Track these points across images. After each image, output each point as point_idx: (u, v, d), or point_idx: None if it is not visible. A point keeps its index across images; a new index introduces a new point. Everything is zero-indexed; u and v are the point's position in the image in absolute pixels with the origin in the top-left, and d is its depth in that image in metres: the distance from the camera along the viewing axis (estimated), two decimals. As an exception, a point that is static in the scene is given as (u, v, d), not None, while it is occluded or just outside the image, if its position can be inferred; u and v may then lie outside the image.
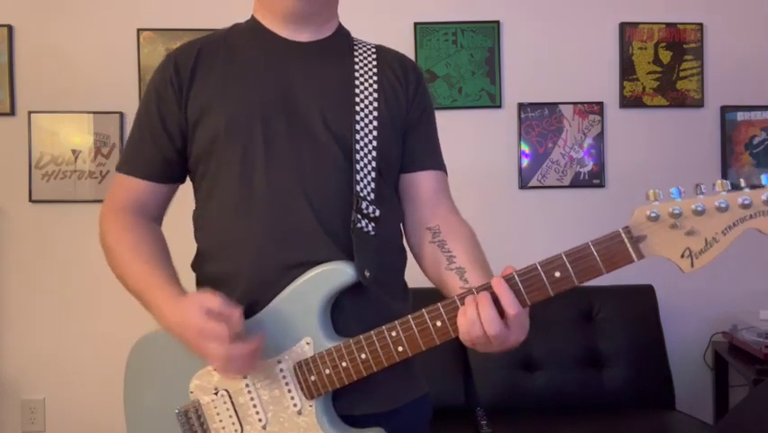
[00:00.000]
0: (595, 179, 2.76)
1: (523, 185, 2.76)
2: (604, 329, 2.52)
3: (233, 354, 1.04)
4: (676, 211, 0.89)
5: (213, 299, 1.05)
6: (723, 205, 0.88)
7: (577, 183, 2.76)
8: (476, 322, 0.96)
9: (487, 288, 0.97)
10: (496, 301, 0.96)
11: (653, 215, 0.90)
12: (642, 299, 2.58)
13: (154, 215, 1.23)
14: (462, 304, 0.98)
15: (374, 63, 1.21)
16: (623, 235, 0.92)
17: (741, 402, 2.17)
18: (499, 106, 2.75)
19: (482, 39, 2.74)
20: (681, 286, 2.69)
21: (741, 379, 2.48)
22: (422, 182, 1.22)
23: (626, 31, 2.76)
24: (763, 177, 0.87)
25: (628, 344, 2.51)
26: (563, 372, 2.46)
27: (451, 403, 2.41)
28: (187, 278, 1.24)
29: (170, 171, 1.21)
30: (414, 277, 1.24)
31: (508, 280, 0.96)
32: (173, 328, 1.09)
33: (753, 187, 0.88)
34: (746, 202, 0.87)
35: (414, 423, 1.19)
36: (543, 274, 0.95)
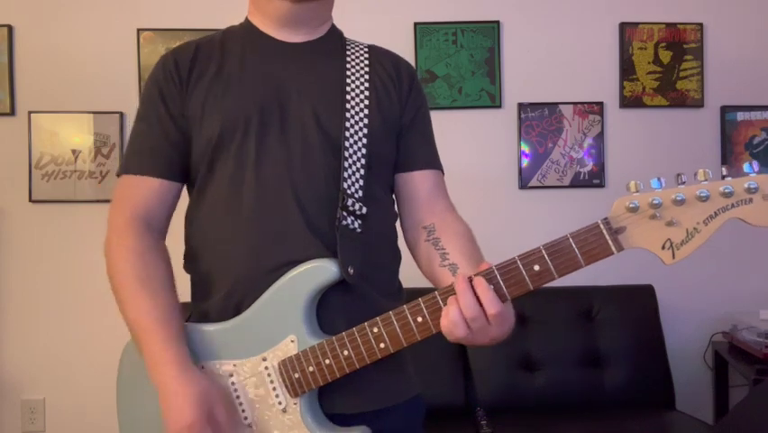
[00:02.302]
0: (595, 179, 2.76)
1: (523, 185, 2.75)
2: (604, 329, 2.52)
3: None
4: (656, 201, 0.88)
5: (222, 410, 1.04)
6: (704, 194, 0.85)
7: (577, 183, 2.76)
8: (459, 323, 0.95)
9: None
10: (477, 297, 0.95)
11: (632, 205, 0.89)
12: (642, 299, 2.58)
13: (163, 224, 1.18)
14: (445, 304, 0.98)
15: (366, 63, 1.20)
16: (602, 227, 0.91)
17: (741, 402, 2.17)
18: (499, 106, 2.74)
19: (482, 39, 2.74)
20: (681, 286, 2.69)
21: (741, 379, 2.47)
22: (418, 182, 1.21)
23: (626, 31, 2.76)
24: (744, 165, 0.85)
25: (628, 344, 2.50)
26: (563, 372, 2.45)
27: (451, 403, 2.40)
28: (184, 279, 1.23)
29: (185, 168, 1.17)
30: (411, 276, 1.24)
31: (487, 274, 0.96)
32: (160, 389, 1.05)
33: (735, 176, 0.86)
34: (728, 191, 0.85)
35: (405, 424, 1.18)
36: (522, 268, 0.94)
